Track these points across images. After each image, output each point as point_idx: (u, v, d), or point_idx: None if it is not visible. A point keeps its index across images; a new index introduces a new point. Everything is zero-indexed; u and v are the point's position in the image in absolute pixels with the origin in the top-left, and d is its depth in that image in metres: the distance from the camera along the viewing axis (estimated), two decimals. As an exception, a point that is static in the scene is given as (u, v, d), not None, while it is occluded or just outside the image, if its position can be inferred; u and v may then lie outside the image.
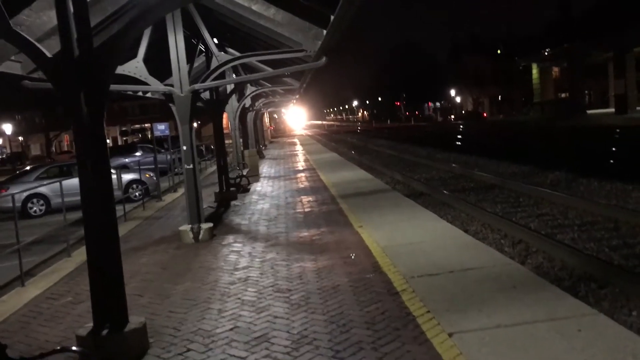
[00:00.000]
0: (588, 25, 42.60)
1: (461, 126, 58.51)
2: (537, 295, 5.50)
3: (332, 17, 6.87)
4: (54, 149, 67.46)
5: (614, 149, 21.24)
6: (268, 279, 7.08)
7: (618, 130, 29.11)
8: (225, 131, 24.85)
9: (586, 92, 57.44)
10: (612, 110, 43.52)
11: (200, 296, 6.60)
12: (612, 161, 18.05)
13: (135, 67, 9.71)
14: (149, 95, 14.98)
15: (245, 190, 16.60)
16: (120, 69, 9.54)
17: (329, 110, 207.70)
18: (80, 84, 4.64)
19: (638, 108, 42.24)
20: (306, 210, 12.17)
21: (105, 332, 4.89)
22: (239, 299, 6.39)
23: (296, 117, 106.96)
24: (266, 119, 52.47)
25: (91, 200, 4.84)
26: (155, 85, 9.96)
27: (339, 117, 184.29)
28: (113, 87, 10.37)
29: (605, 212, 10.30)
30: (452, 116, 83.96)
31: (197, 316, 5.90)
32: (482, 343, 4.59)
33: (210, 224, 10.25)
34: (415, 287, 6.12)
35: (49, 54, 4.77)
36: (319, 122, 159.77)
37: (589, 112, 49.43)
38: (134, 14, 4.79)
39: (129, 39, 5.01)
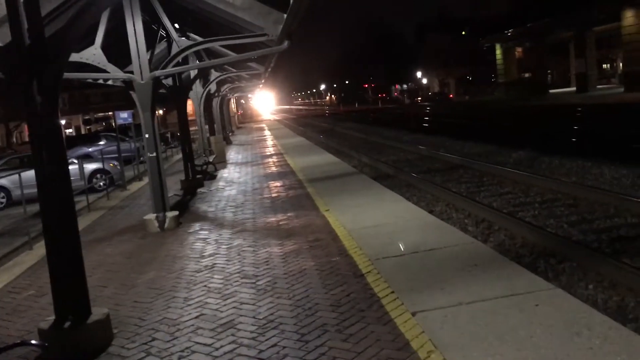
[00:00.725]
0: (549, 5, 43.20)
1: (428, 108, 58.99)
2: (497, 272, 5.63)
3: (291, 1, 6.82)
4: (14, 139, 65.63)
5: (574, 127, 21.70)
6: (234, 266, 7.08)
7: (579, 109, 29.74)
8: (191, 118, 24.58)
9: (549, 71, 58.42)
10: (574, 89, 44.38)
11: (166, 285, 6.57)
12: (572, 139, 18.45)
13: (93, 54, 9.50)
14: (110, 82, 14.69)
15: (212, 177, 16.49)
16: (78, 57, 9.33)
17: (298, 94, 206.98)
18: (32, 74, 4.53)
19: (598, 86, 43.23)
20: (273, 195, 12.17)
21: (67, 324, 4.84)
22: (205, 286, 6.38)
23: (264, 102, 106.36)
24: (233, 105, 51.99)
25: (48, 191, 4.75)
26: (115, 73, 9.76)
27: (308, 101, 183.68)
28: (70, 75, 10.19)
29: (565, 189, 10.56)
30: (419, 98, 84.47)
31: (162, 305, 5.87)
32: (444, 320, 4.69)
33: (176, 212, 10.16)
34: (380, 269, 6.19)
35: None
36: (288, 106, 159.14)
37: (551, 91, 50.38)
38: (83, 3, 4.68)
39: (82, 27, 4.89)
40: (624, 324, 4.75)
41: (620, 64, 43.97)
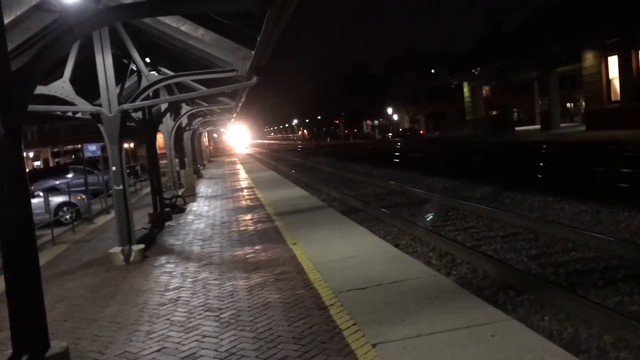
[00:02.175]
0: (515, 46, 44.72)
1: (398, 143, 59.88)
2: (457, 305, 5.75)
3: (258, 38, 7.01)
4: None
5: (538, 163, 22.30)
6: (199, 299, 7.06)
7: (543, 146, 30.59)
8: (162, 151, 24.53)
9: (515, 109, 60.04)
10: (539, 127, 45.64)
11: (128, 318, 6.51)
12: (536, 175, 18.95)
13: (62, 87, 9.53)
14: (79, 115, 14.66)
15: (181, 210, 16.42)
16: (46, 89, 9.36)
17: (270, 129, 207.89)
18: (-4, 107, 4.56)
19: (562, 124, 44.53)
20: (241, 228, 12.18)
21: (24, 358, 4.76)
22: (168, 319, 6.35)
23: (237, 136, 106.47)
24: (205, 138, 52.00)
25: (8, 225, 4.73)
26: (83, 106, 9.79)
27: (280, 135, 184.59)
28: (38, 107, 10.20)
29: (526, 224, 10.83)
30: (390, 134, 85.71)
31: (123, 339, 5.82)
32: (404, 352, 4.77)
33: (142, 246, 10.09)
34: (343, 301, 6.26)
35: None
36: (261, 141, 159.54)
37: (517, 128, 51.68)
38: (51, 37, 4.77)
39: (48, 61, 4.96)
40: (577, 354, 4.91)
41: (583, 103, 45.52)
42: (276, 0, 4.90)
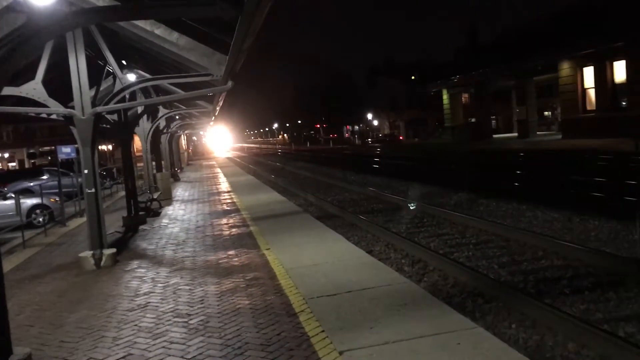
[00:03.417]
0: (493, 55, 45.27)
1: (378, 149, 60.12)
2: (426, 312, 5.80)
3: (231, 44, 7.01)
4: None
5: (513, 171, 22.57)
6: (169, 304, 7.01)
7: (519, 154, 30.96)
8: (139, 154, 24.27)
9: (493, 117, 60.71)
10: (516, 134, 46.21)
11: (96, 324, 6.43)
12: (510, 182, 19.17)
13: (34, 88, 9.41)
14: (53, 117, 14.47)
15: (156, 214, 16.28)
16: (17, 91, 9.25)
17: (251, 132, 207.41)
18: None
19: (539, 132, 45.15)
20: (216, 233, 12.12)
21: (-15, 365, 4.69)
22: (136, 325, 6.29)
23: (217, 139, 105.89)
24: (183, 142, 51.65)
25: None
26: (55, 108, 9.66)
27: (260, 139, 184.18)
28: (9, 109, 10.06)
29: (498, 231, 10.95)
30: (370, 139, 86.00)
31: (89, 345, 5.75)
32: (370, 359, 4.79)
33: (114, 250, 9.99)
34: (313, 308, 6.27)
35: None
36: (241, 144, 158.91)
37: (495, 136, 52.24)
38: (20, 39, 4.72)
39: (17, 63, 4.91)
40: (540, 362, 4.97)
41: (560, 112, 46.19)
42: (246, 8, 4.91)
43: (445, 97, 58.42)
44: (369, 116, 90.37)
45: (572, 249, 8.93)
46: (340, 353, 4.96)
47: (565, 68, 36.52)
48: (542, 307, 6.41)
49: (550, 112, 58.21)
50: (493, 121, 60.67)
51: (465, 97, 59.38)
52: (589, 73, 34.59)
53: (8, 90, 8.89)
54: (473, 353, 4.71)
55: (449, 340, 5.03)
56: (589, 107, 34.89)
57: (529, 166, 24.21)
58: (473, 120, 55.76)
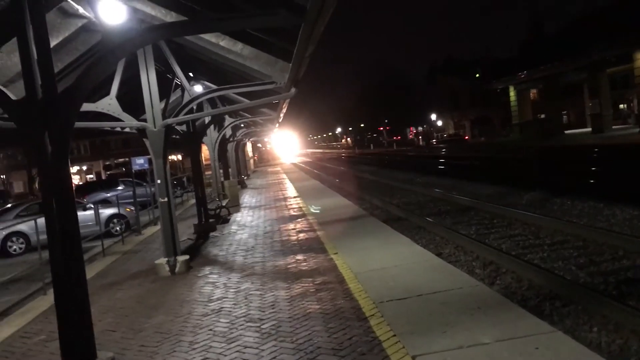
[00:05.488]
0: (561, 47, 43.60)
1: (443, 150, 59.16)
2: (500, 316, 5.64)
3: (294, 51, 7.10)
4: (36, 185, 66.84)
5: (588, 168, 21.64)
6: (241, 309, 7.16)
7: (593, 150, 29.66)
8: (207, 162, 24.96)
9: (564, 112, 58.48)
10: (590, 129, 44.30)
11: (173, 329, 6.66)
12: (585, 180, 18.37)
13: (109, 104, 9.86)
14: (127, 130, 15.13)
15: (225, 221, 16.67)
16: (93, 107, 9.72)
17: (314, 137, 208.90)
18: (44, 126, 4.78)
19: (614, 127, 43.07)
20: (284, 239, 12.27)
21: (73, 368, 4.94)
22: (210, 330, 6.46)
23: (282, 145, 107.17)
24: (248, 149, 52.67)
25: (57, 238, 4.92)
26: (129, 121, 10.10)
27: (324, 144, 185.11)
28: (87, 124, 10.58)
29: (575, 231, 10.52)
30: (434, 140, 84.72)
31: (168, 349, 5.96)
32: (444, 364, 4.71)
33: (187, 257, 10.31)
34: (383, 312, 6.23)
35: (13, 97, 4.91)
36: (305, 150, 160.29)
37: (567, 132, 50.29)
38: (96, 57, 4.97)
39: (93, 81, 5.16)
40: (625, 367, 4.73)
41: (637, 104, 43.87)
42: (308, 16, 4.97)
43: (512, 93, 56.77)
44: (433, 116, 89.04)
45: (656, 248, 8.45)
46: (413, 358, 4.91)
47: (640, 58, 34.74)
48: (624, 310, 6.11)
49: (625, 105, 55.35)
50: (564, 117, 58.47)
51: (533, 92, 57.58)
52: (667, 61, 32.76)
53: (86, 107, 9.35)
54: (552, 358, 4.54)
55: (526, 344, 4.87)
56: (668, 98, 33.02)
57: (604, 162, 23.14)
58: (542, 116, 53.91)
